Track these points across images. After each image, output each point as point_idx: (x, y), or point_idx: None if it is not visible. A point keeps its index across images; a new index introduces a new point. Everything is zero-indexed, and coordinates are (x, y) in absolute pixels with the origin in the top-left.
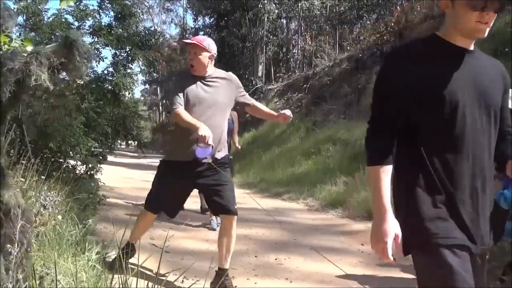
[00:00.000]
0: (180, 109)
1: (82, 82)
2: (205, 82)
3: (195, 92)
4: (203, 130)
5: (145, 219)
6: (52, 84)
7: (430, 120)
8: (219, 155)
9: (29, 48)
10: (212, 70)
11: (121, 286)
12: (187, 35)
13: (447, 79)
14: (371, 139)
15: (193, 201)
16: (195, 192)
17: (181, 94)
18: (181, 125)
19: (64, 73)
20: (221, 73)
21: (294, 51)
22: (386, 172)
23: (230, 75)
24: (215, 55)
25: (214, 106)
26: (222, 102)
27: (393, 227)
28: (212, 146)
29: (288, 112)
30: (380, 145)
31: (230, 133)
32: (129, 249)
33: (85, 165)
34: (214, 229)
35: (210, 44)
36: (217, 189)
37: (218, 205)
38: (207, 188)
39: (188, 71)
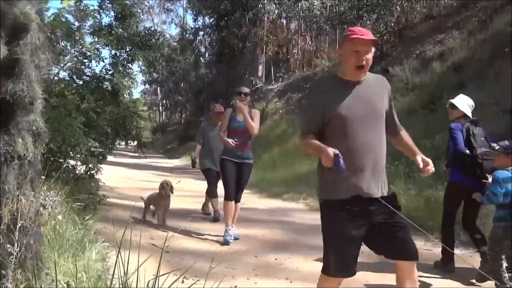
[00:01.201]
0: (305, 140)
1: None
2: (360, 89)
3: (348, 104)
4: (327, 151)
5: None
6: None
7: None
8: (384, 190)
9: None
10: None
11: (121, 286)
12: (187, 35)
13: None
14: None
15: (194, 201)
16: (195, 192)
17: (317, 115)
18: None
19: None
20: (371, 75)
21: (294, 51)
22: None
23: (383, 79)
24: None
25: (370, 119)
26: (380, 113)
27: None
28: (338, 153)
29: (430, 162)
30: None
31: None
32: None
33: (85, 165)
34: (227, 244)
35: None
36: (397, 231)
37: (401, 250)
38: (385, 229)
39: (333, 76)
